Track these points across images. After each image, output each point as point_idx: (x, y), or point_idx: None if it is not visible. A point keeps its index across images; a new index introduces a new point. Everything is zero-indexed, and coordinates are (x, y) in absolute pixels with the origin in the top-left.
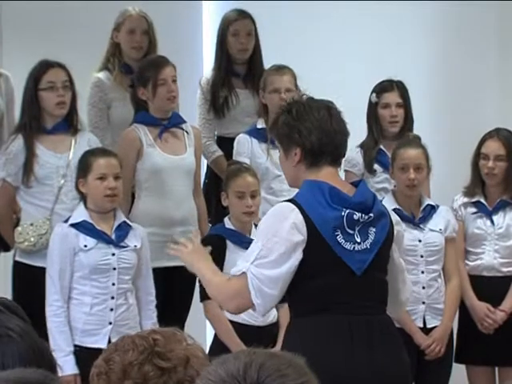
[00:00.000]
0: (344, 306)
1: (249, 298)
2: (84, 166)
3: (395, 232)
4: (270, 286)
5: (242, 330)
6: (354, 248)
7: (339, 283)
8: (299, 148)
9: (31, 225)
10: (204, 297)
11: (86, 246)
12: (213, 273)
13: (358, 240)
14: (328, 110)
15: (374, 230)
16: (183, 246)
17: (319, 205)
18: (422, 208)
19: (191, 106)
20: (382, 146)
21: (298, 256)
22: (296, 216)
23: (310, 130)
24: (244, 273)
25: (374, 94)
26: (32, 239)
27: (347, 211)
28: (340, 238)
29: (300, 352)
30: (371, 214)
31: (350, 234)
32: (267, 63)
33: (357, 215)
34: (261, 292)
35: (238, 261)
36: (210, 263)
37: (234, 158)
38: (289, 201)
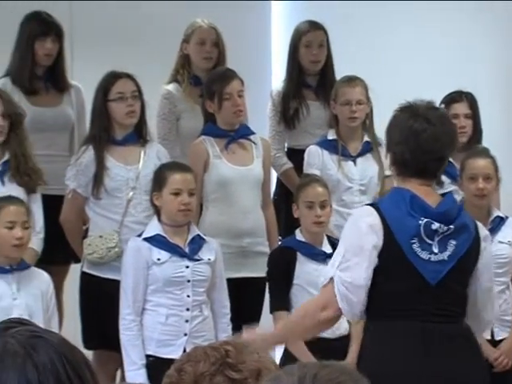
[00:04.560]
0: (417, 313)
1: (336, 303)
2: (159, 179)
3: (482, 247)
4: (355, 293)
5: (312, 342)
6: (429, 258)
7: (412, 291)
8: (390, 153)
9: (100, 237)
10: (274, 308)
11: (159, 259)
12: (300, 315)
13: (436, 250)
14: (423, 127)
15: (454, 242)
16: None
17: (398, 211)
18: (490, 219)
19: (262, 117)
20: (450, 158)
21: (375, 259)
22: (374, 219)
23: (397, 141)
24: (332, 278)
25: (442, 105)
26: (100, 252)
27: (425, 220)
28: (416, 247)
29: (371, 355)
30: (452, 226)
31: (428, 244)
32: (339, 74)
33: (435, 225)
34: (346, 297)
35: (328, 267)
36: (283, 326)
37: (304, 169)
38: (370, 205)
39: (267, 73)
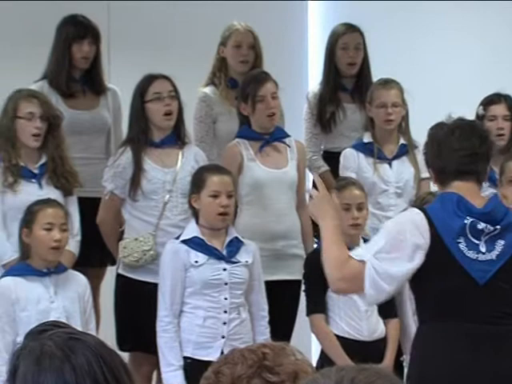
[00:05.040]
0: (467, 313)
1: (361, 285)
2: (198, 182)
3: None
4: (387, 281)
5: (348, 344)
6: (477, 257)
7: (461, 291)
8: (431, 169)
9: (135, 240)
10: (310, 311)
11: (196, 261)
12: (334, 241)
13: (483, 250)
14: (451, 130)
15: (502, 242)
16: (314, 191)
17: (445, 212)
18: None
19: (299, 119)
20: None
21: (418, 259)
22: (421, 220)
23: (434, 155)
24: (363, 261)
25: (480, 107)
26: (136, 255)
27: (471, 220)
28: (462, 246)
29: (424, 357)
30: (498, 226)
31: (475, 244)
32: (376, 76)
33: (481, 225)
34: (376, 284)
35: (359, 249)
36: (334, 221)
37: (340, 172)
38: (417, 207)
39: (304, 75)
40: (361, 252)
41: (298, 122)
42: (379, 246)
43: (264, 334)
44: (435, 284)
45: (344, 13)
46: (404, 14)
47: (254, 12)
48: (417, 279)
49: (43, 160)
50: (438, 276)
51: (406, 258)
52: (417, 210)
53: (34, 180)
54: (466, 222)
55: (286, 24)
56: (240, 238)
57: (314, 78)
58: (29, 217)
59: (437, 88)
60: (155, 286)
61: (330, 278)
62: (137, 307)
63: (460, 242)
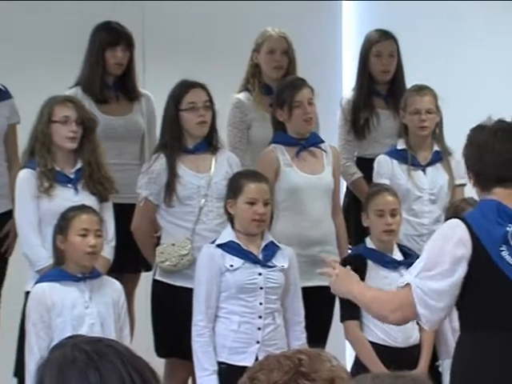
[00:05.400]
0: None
1: (413, 309)
2: (235, 187)
3: None
4: (435, 299)
5: (382, 351)
6: None
7: (505, 299)
8: (471, 172)
9: (173, 245)
10: (344, 317)
11: (232, 265)
12: (368, 291)
13: None
14: (493, 132)
15: None
16: (331, 269)
17: (486, 221)
18: None
19: (331, 125)
20: None
21: (462, 270)
22: (462, 231)
23: (473, 158)
24: (408, 284)
25: None
26: (173, 259)
27: None
28: (505, 254)
29: (469, 367)
30: None
31: None
32: (409, 81)
33: None
34: (425, 304)
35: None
36: (361, 284)
37: (373, 179)
38: (458, 217)
39: (338, 80)
40: (404, 276)
41: (331, 128)
42: (421, 265)
43: (300, 340)
44: (479, 293)
45: (379, 13)
46: (439, 18)
47: (287, 17)
48: (462, 289)
49: (79, 165)
50: (481, 285)
51: (449, 271)
52: (456, 221)
53: (69, 185)
54: (508, 229)
55: (320, 28)
56: (276, 242)
57: (348, 83)
58: (63, 223)
59: (471, 95)
60: (192, 291)
61: (383, 319)
62: (173, 313)
63: (503, 250)
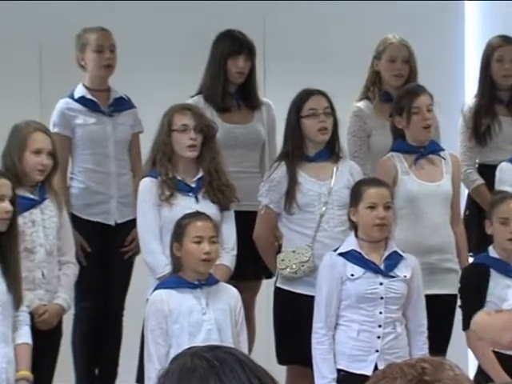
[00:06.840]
0: None
1: None
2: (355, 195)
3: None
4: None
5: (506, 361)
6: None
7: None
8: None
9: (293, 252)
10: (467, 326)
11: (352, 275)
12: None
13: None
14: None
15: None
16: None
17: None
18: None
19: (453, 133)
20: None
21: None
22: None
23: None
24: None
25: None
26: (294, 266)
27: None
28: None
29: None
30: None
31: None
32: None
33: None
34: None
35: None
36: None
37: (496, 186)
38: None
39: (460, 88)
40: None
41: (454, 135)
42: None
43: (422, 350)
44: None
45: (501, 12)
46: None
47: (409, 24)
48: None
49: (200, 174)
50: None
51: None
52: None
53: (190, 194)
54: None
55: (443, 30)
56: (400, 251)
57: (470, 90)
58: (179, 231)
59: None
60: (313, 298)
61: (501, 344)
62: (294, 320)
63: None
